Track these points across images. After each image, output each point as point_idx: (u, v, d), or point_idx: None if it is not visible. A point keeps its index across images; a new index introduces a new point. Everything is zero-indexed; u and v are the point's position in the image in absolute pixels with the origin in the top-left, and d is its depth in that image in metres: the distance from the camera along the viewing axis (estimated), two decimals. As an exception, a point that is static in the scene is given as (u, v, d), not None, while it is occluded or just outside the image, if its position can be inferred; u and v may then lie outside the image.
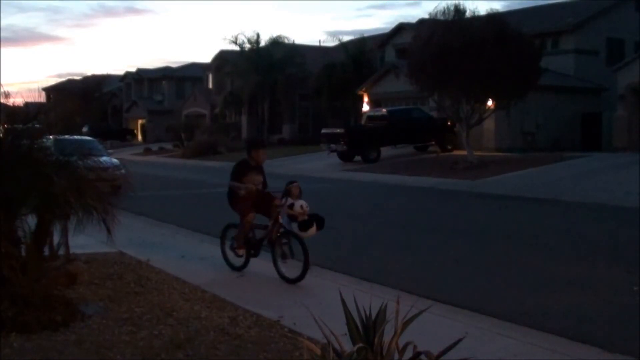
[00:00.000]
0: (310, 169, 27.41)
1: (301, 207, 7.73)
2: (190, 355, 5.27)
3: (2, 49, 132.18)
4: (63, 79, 78.27)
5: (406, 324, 3.84)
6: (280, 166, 26.95)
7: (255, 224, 8.34)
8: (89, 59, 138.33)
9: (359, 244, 10.92)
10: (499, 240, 11.28)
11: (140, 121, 62.80)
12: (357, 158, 28.76)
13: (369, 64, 40.26)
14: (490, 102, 24.95)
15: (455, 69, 22.52)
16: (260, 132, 44.40)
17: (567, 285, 7.89)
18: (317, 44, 52.05)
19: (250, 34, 49.07)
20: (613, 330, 6.20)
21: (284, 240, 7.88)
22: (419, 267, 9.12)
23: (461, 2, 31.29)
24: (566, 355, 5.46)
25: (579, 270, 8.73)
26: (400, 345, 3.80)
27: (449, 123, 28.75)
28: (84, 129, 42.84)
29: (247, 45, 45.44)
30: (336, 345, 3.73)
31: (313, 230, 7.77)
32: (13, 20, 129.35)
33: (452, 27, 24.02)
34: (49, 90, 66.68)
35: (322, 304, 6.60)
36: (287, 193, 7.91)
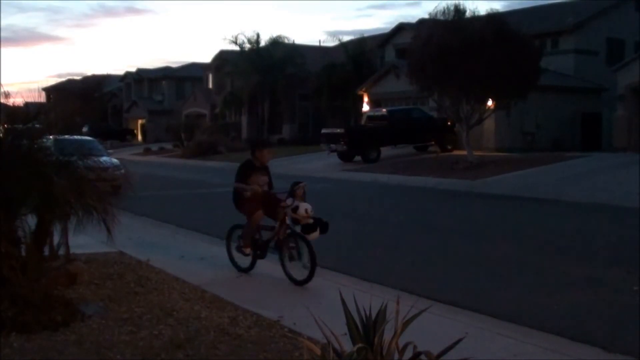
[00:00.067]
0: (310, 169, 27.39)
1: (305, 210, 7.63)
2: (190, 355, 5.27)
3: (2, 49, 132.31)
4: (63, 79, 78.42)
5: (406, 324, 3.84)
6: (280, 166, 26.93)
7: (262, 225, 8.28)
8: (89, 59, 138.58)
9: (359, 244, 10.93)
10: (499, 240, 11.28)
11: (140, 121, 62.80)
12: (357, 158, 28.75)
13: (369, 64, 40.26)
14: (490, 102, 24.93)
15: (455, 69, 22.50)
16: (260, 132, 44.41)
17: (567, 285, 7.89)
18: (317, 44, 52.13)
19: (250, 34, 49.23)
20: (613, 330, 6.20)
21: (292, 244, 7.79)
22: (419, 267, 9.12)
23: (461, 2, 31.36)
24: (566, 355, 5.46)
25: (579, 270, 8.73)
26: (400, 345, 3.80)
27: (449, 123, 28.74)
28: (84, 129, 42.83)
29: (247, 45, 45.49)
30: (336, 345, 3.73)
31: (316, 234, 7.69)
32: (13, 20, 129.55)
33: (452, 27, 24.00)
34: (49, 90, 66.72)
35: (322, 304, 6.60)
36: (291, 194, 7.81)
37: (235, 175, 8.16)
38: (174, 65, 64.86)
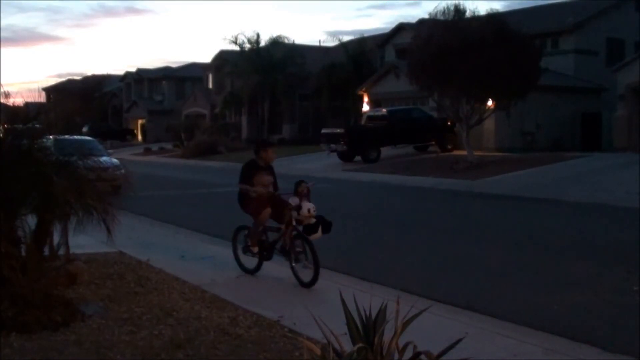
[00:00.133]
0: (310, 169, 27.39)
1: (308, 210, 7.58)
2: (190, 355, 5.27)
3: (2, 49, 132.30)
4: (63, 79, 78.41)
5: (406, 324, 3.84)
6: (280, 166, 26.80)
7: (268, 226, 8.22)
8: (89, 59, 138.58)
9: (359, 244, 10.93)
10: (499, 240, 11.27)
11: (140, 121, 62.80)
12: (357, 158, 28.76)
13: (369, 64, 40.28)
14: (490, 102, 24.94)
15: (455, 69, 22.50)
16: (260, 132, 44.41)
17: (567, 285, 7.89)
18: (317, 44, 52.05)
19: (250, 34, 49.16)
20: (613, 330, 6.20)
21: (298, 249, 7.71)
22: (419, 267, 9.12)
23: (461, 2, 31.40)
24: (566, 355, 5.46)
25: (579, 270, 8.73)
26: (400, 345, 3.80)
27: (449, 123, 28.74)
28: (84, 129, 42.95)
29: (247, 45, 45.49)
30: (336, 345, 3.73)
31: (318, 234, 7.66)
32: (13, 20, 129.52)
33: (452, 27, 24.02)
34: (49, 90, 66.71)
35: (322, 304, 6.60)
36: (295, 192, 7.73)
37: (239, 176, 8.07)
38: (174, 65, 64.96)
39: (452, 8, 25.33)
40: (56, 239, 7.08)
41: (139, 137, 61.66)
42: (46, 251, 6.82)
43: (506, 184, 19.74)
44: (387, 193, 19.78)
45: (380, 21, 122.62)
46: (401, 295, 5.58)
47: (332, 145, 28.93)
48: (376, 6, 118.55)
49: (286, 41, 45.40)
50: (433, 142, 29.82)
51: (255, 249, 8.17)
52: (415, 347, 3.79)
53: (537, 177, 20.66)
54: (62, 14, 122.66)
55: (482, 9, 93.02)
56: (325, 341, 3.81)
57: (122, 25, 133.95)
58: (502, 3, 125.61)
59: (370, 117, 31.09)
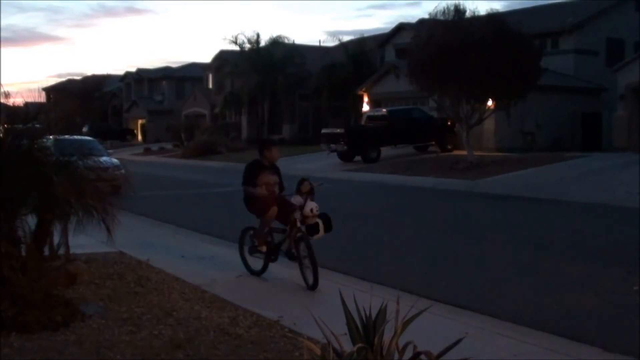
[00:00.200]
0: (310, 169, 27.37)
1: (311, 210, 7.55)
2: (190, 355, 5.27)
3: (2, 49, 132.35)
4: (63, 79, 78.36)
5: (406, 324, 3.84)
6: (281, 166, 26.85)
7: (273, 227, 8.16)
8: (89, 59, 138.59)
9: (359, 244, 10.93)
10: (499, 240, 11.27)
11: (140, 121, 62.80)
12: (357, 158, 28.76)
13: (369, 64, 40.26)
14: (490, 102, 24.94)
15: (455, 69, 22.50)
16: (260, 132, 44.41)
17: (567, 285, 7.89)
18: (317, 44, 52.09)
19: (250, 34, 49.12)
20: (613, 330, 6.20)
21: (303, 253, 7.63)
22: (419, 267, 9.12)
23: (461, 2, 31.40)
24: (566, 355, 5.46)
25: (579, 270, 8.73)
26: (400, 345, 3.80)
27: (449, 123, 28.74)
28: (84, 129, 42.90)
29: (247, 45, 45.49)
30: (336, 345, 3.73)
31: (320, 234, 7.62)
32: (13, 20, 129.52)
33: (452, 27, 24.01)
34: (49, 90, 66.63)
35: (322, 304, 6.60)
36: (298, 190, 7.69)
37: (242, 177, 7.99)
38: (174, 65, 64.96)
39: (452, 8, 25.35)
40: (56, 239, 7.08)
41: (139, 137, 61.66)
42: (46, 251, 6.82)
43: (506, 184, 19.75)
44: (387, 193, 19.78)
45: (380, 21, 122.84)
46: (401, 295, 5.59)
47: (332, 145, 28.93)
48: (376, 6, 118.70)
49: (286, 41, 45.42)
50: (433, 142, 29.82)
51: (264, 249, 8.07)
52: (415, 347, 3.79)
53: (537, 177, 20.66)
54: (62, 14, 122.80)
55: (482, 9, 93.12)
56: (325, 341, 3.81)
57: (122, 25, 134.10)
58: (502, 3, 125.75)
59: (370, 117, 31.09)
